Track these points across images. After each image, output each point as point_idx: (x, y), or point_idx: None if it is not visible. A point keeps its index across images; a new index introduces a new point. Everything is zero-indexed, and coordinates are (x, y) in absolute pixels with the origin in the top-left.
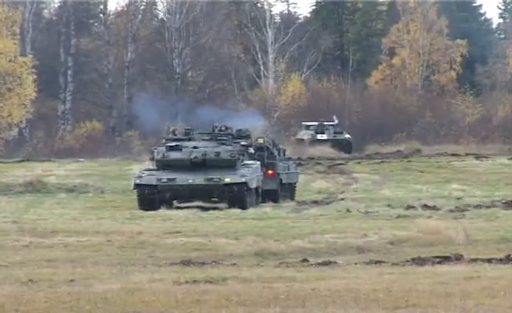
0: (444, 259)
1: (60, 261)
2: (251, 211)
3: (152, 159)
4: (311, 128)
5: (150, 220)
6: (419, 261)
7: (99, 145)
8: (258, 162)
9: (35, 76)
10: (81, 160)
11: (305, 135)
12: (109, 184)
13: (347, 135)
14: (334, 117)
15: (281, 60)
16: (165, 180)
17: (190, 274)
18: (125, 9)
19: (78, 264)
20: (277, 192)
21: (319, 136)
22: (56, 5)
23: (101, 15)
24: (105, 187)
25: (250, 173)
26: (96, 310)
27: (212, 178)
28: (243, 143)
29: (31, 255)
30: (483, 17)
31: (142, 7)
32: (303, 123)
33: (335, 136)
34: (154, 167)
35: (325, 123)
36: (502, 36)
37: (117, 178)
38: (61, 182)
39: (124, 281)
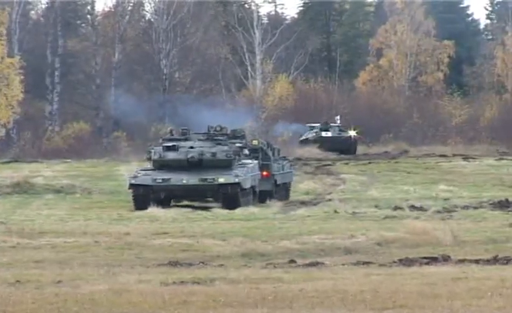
0: (432, 260)
1: (47, 262)
2: (238, 212)
3: (149, 159)
4: (315, 128)
5: (137, 221)
6: (407, 262)
7: (87, 145)
8: (256, 161)
9: (22, 77)
10: (69, 160)
11: (309, 134)
12: (96, 185)
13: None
14: (337, 118)
15: (268, 61)
16: (159, 181)
17: (177, 275)
18: (112, 10)
19: (65, 265)
20: (272, 193)
21: (324, 133)
22: (43, 6)
23: (89, 16)
24: (92, 188)
25: (244, 173)
26: (83, 311)
27: (206, 178)
28: (238, 143)
29: (18, 256)
30: (470, 18)
31: (129, 8)
32: (307, 125)
33: (339, 134)
34: (151, 167)
35: (328, 123)
36: (489, 37)
37: (104, 179)
38: (48, 183)
39: (111, 282)
